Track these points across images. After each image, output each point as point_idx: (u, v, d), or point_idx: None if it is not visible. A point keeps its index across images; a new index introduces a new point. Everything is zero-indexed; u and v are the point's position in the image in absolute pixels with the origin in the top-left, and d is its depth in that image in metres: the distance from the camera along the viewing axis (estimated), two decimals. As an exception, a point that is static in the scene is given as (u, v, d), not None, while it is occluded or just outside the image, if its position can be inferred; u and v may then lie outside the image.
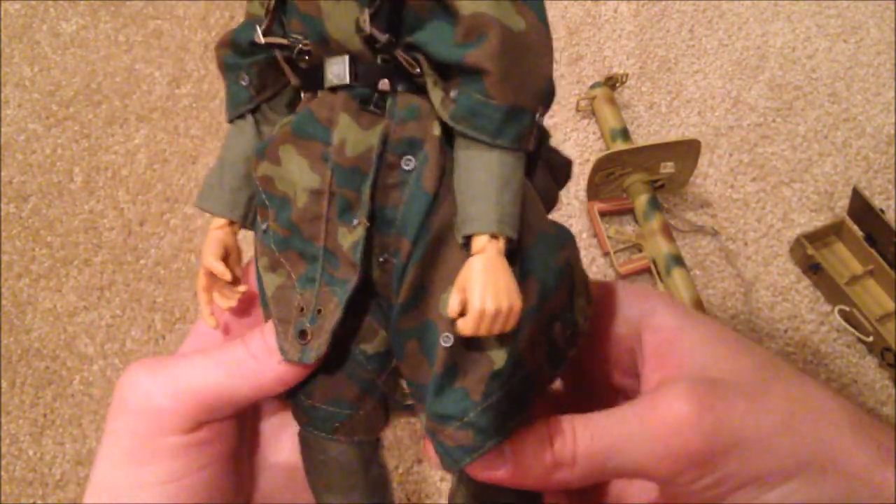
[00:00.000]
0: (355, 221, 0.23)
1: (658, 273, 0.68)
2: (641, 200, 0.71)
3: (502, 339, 0.22)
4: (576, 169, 0.77)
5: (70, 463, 0.59)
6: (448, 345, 0.22)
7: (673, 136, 0.78)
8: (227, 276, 0.28)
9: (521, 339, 0.23)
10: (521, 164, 0.22)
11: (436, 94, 0.22)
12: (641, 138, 0.78)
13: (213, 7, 0.86)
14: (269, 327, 0.26)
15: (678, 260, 0.68)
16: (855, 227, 0.69)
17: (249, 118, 0.27)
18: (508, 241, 0.22)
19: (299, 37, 0.24)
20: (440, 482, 0.58)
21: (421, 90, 0.23)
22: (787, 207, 0.73)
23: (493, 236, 0.21)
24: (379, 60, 0.23)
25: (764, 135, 0.78)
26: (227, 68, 0.27)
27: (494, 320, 0.21)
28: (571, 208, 0.74)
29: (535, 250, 0.23)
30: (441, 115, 0.22)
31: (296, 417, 0.28)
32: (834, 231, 0.70)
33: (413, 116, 0.23)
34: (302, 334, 0.24)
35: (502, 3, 0.21)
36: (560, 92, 0.81)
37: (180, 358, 0.26)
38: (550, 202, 0.26)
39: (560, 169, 0.26)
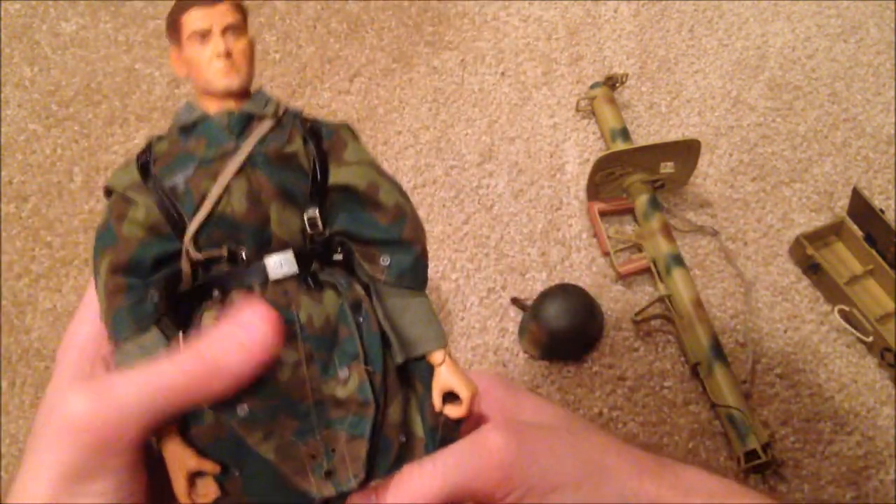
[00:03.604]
0: (344, 373, 0.28)
1: (658, 273, 0.68)
2: (641, 200, 0.71)
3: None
4: (576, 169, 0.77)
5: (70, 463, 0.59)
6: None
7: (673, 136, 0.78)
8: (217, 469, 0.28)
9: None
10: None
11: (365, 264, 0.30)
12: (641, 138, 0.78)
13: (213, 7, 0.86)
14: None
15: (678, 260, 0.68)
16: (855, 227, 0.69)
17: (154, 330, 0.28)
18: None
19: (223, 244, 0.28)
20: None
21: (333, 264, 0.30)
22: (787, 207, 0.73)
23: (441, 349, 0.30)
24: (309, 248, 0.29)
25: (764, 135, 0.78)
26: (128, 291, 0.28)
27: (473, 402, 0.30)
28: (571, 208, 0.74)
29: None
30: (375, 277, 0.30)
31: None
32: (834, 231, 0.70)
33: (349, 284, 0.30)
34: (329, 474, 0.28)
35: (406, 197, 0.30)
36: (560, 92, 0.81)
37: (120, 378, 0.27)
38: None
39: None
